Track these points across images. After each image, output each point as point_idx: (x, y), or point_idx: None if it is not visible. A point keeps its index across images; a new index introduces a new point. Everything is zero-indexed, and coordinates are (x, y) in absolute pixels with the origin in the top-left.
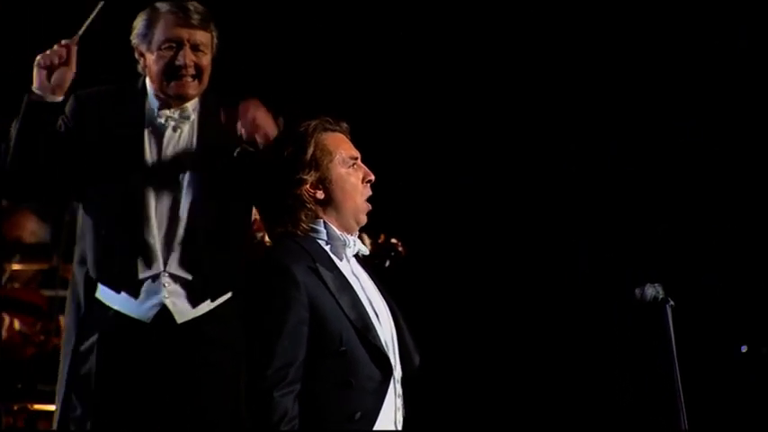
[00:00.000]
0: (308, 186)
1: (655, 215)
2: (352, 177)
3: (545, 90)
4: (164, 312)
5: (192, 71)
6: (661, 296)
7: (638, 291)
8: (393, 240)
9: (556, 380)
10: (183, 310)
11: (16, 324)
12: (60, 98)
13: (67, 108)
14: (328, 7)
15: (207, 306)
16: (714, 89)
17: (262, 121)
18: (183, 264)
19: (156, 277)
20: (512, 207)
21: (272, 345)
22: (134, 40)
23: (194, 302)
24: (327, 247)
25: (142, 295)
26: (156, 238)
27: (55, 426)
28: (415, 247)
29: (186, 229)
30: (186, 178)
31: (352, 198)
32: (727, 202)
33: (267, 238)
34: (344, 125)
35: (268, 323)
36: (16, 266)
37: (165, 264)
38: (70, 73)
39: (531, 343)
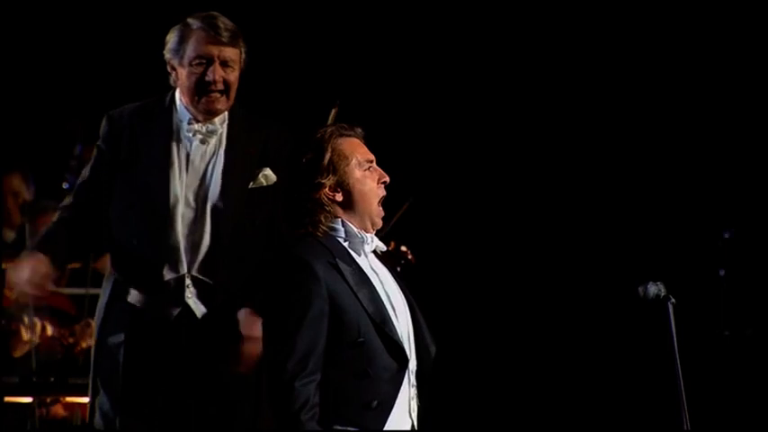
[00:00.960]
0: (326, 190)
1: (656, 215)
2: (368, 179)
3: (543, 91)
4: (186, 311)
5: (220, 86)
6: (663, 294)
7: (640, 289)
8: (403, 249)
9: (561, 373)
10: (204, 310)
11: (48, 330)
12: None
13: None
14: (342, 23)
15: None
16: (711, 87)
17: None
18: (206, 267)
19: (180, 279)
20: (517, 208)
21: (293, 336)
22: (167, 54)
23: (214, 300)
24: (346, 244)
25: (167, 295)
26: (181, 243)
27: (88, 418)
28: (431, 247)
29: (210, 235)
30: (211, 188)
31: (369, 200)
32: (726, 201)
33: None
34: (359, 130)
35: (290, 316)
36: None
37: (189, 267)
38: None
39: (539, 338)
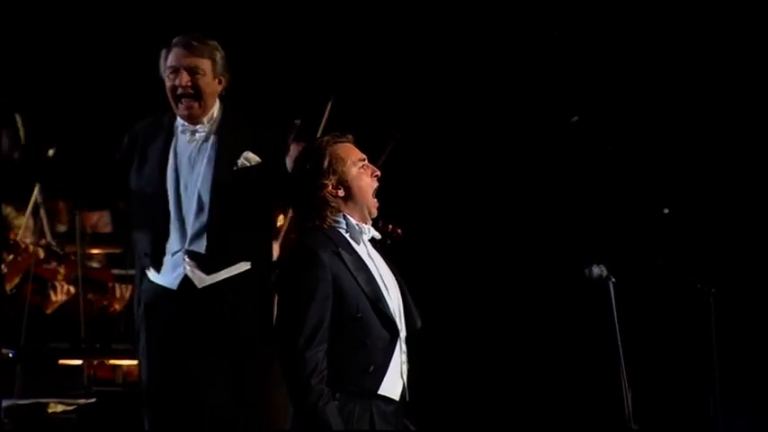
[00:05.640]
0: (330, 188)
1: (601, 205)
2: (363, 175)
3: (501, 81)
4: (186, 280)
5: (189, 91)
6: (605, 274)
7: (586, 270)
8: (390, 226)
9: (517, 345)
10: (200, 278)
11: (72, 290)
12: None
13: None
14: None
15: (222, 275)
16: (652, 84)
17: None
18: (198, 242)
19: (179, 253)
20: (475, 198)
21: (304, 313)
22: (160, 72)
23: (209, 271)
24: (347, 235)
25: (169, 268)
26: (176, 223)
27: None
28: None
29: (199, 215)
30: (200, 176)
31: (366, 192)
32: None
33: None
34: (350, 136)
35: (301, 296)
36: (94, 250)
37: (184, 242)
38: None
39: (498, 313)
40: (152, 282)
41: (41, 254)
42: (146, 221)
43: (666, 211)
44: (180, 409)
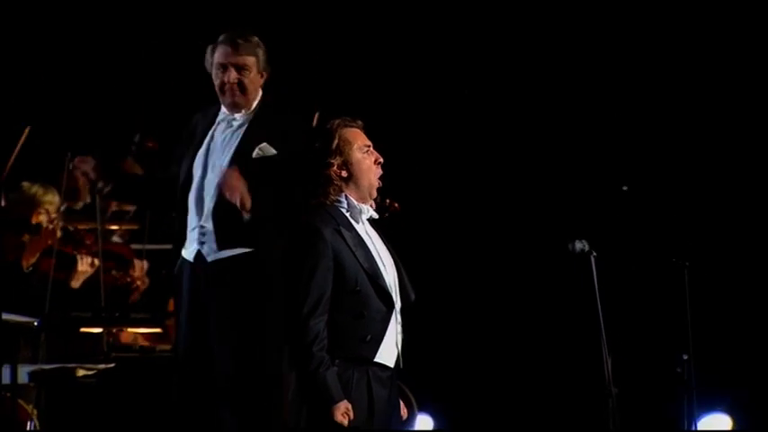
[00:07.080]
0: (335, 168)
1: (585, 185)
2: (367, 160)
3: (486, 67)
4: (199, 254)
5: (235, 87)
6: (587, 249)
7: (569, 245)
8: (387, 200)
9: (505, 315)
10: (209, 252)
11: (96, 263)
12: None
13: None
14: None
15: (230, 252)
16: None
17: (234, 189)
18: (211, 219)
19: (194, 228)
20: (466, 180)
21: (307, 285)
22: (206, 66)
23: (218, 247)
24: (348, 214)
25: (190, 242)
26: (197, 201)
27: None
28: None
29: (213, 194)
30: (224, 160)
31: (368, 176)
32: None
33: None
34: (360, 122)
35: (304, 269)
36: (115, 226)
37: (200, 218)
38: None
39: (487, 285)
40: (181, 254)
41: (58, 233)
42: (181, 198)
43: (625, 188)
44: (194, 372)
